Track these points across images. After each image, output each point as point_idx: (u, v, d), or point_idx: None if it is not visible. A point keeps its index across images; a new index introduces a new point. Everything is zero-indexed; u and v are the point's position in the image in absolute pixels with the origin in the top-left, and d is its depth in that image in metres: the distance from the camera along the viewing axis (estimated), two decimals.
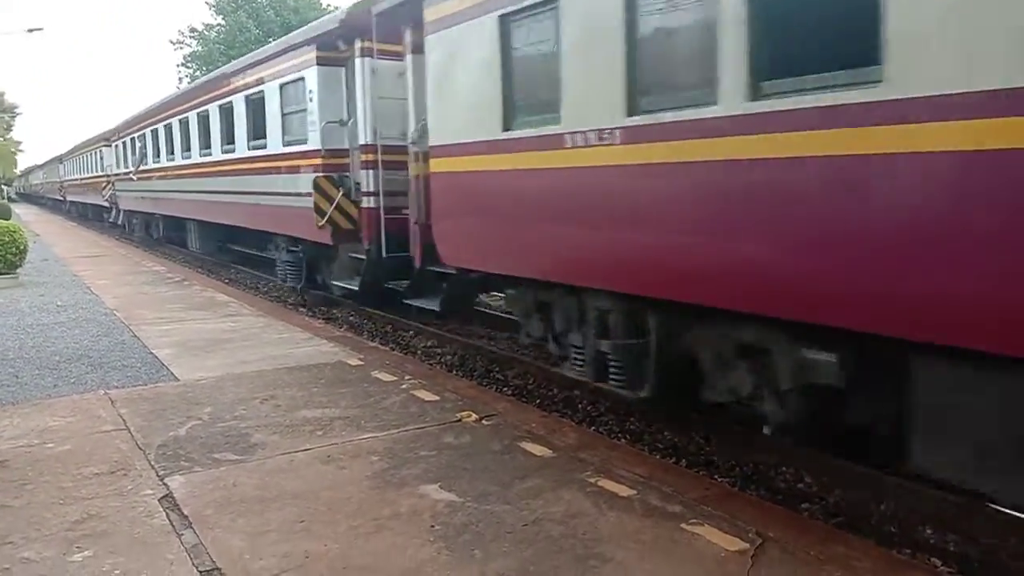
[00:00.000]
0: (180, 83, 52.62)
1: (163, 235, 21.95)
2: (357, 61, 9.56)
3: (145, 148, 21.10)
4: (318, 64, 10.34)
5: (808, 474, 5.07)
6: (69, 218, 41.58)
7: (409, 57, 8.28)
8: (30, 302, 11.46)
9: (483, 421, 5.52)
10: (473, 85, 6.83)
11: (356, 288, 10.11)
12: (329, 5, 50.19)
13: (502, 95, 6.43)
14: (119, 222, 27.44)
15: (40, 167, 62.84)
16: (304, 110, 10.78)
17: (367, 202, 9.58)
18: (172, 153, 18.39)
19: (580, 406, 6.65)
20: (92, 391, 6.42)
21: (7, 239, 13.41)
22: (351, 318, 11.06)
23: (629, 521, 3.89)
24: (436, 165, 7.48)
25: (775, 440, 5.28)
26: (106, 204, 28.49)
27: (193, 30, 53.96)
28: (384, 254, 9.32)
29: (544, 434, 5.23)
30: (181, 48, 54.81)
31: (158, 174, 19.82)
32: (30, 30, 34.10)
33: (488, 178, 6.72)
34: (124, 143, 24.28)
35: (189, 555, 3.57)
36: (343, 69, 10.28)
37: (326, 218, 9.96)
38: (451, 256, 7.48)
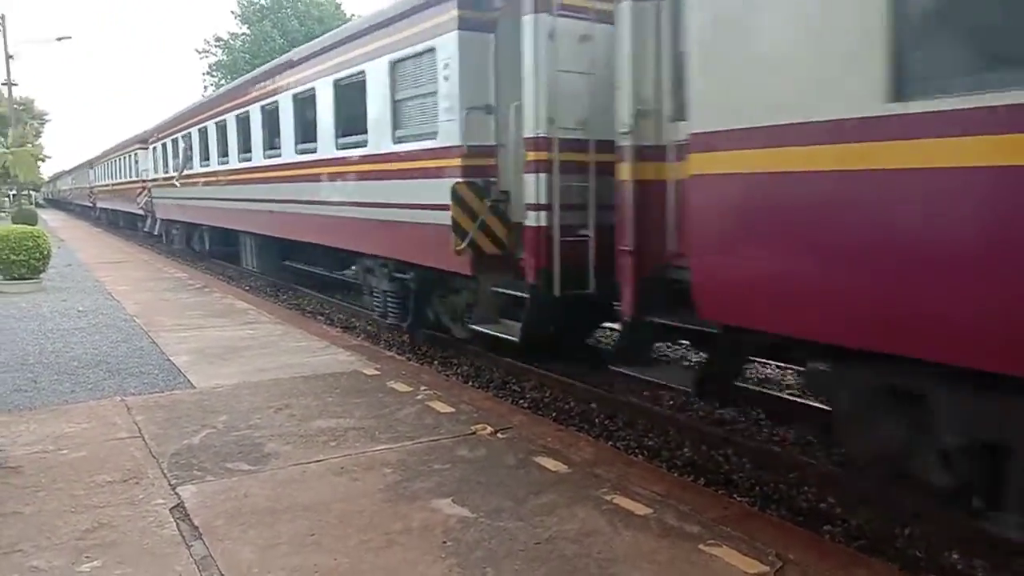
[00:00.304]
0: (205, 91, 53.22)
1: (208, 249, 19.69)
2: (527, 20, 6.83)
3: (191, 150, 18.60)
4: (460, 28, 7.57)
5: (831, 494, 4.95)
6: (95, 224, 42.00)
7: (626, 5, 5.78)
8: (52, 307, 11.56)
9: (498, 434, 5.45)
10: (809, 31, 4.23)
11: (516, 338, 7.40)
12: (353, 15, 50.64)
13: (889, 38, 3.78)
14: (155, 232, 25.23)
15: (68, 172, 61.77)
16: (432, 93, 8.15)
17: (534, 219, 6.98)
18: (225, 155, 15.97)
19: (597, 420, 6.56)
20: (109, 397, 6.43)
21: (31, 244, 13.55)
22: (368, 327, 11.04)
23: (645, 541, 3.80)
24: (707, 163, 4.88)
25: (797, 459, 5.18)
26: (140, 212, 26.75)
27: (219, 39, 54.61)
28: (558, 291, 6.83)
29: (560, 448, 5.15)
30: (207, 57, 55.46)
31: (205, 179, 17.61)
32: (59, 38, 34.62)
33: (833, 182, 4.15)
34: (164, 145, 21.85)
35: (198, 567, 3.52)
36: (492, 35, 7.64)
37: (467, 240, 7.46)
38: (721, 306, 4.95)
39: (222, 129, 16.23)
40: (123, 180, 30.16)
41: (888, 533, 4.50)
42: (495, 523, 4.00)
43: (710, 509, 4.22)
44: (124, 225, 33.75)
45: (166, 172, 21.81)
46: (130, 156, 27.70)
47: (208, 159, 17.52)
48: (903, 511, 4.60)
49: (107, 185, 35.54)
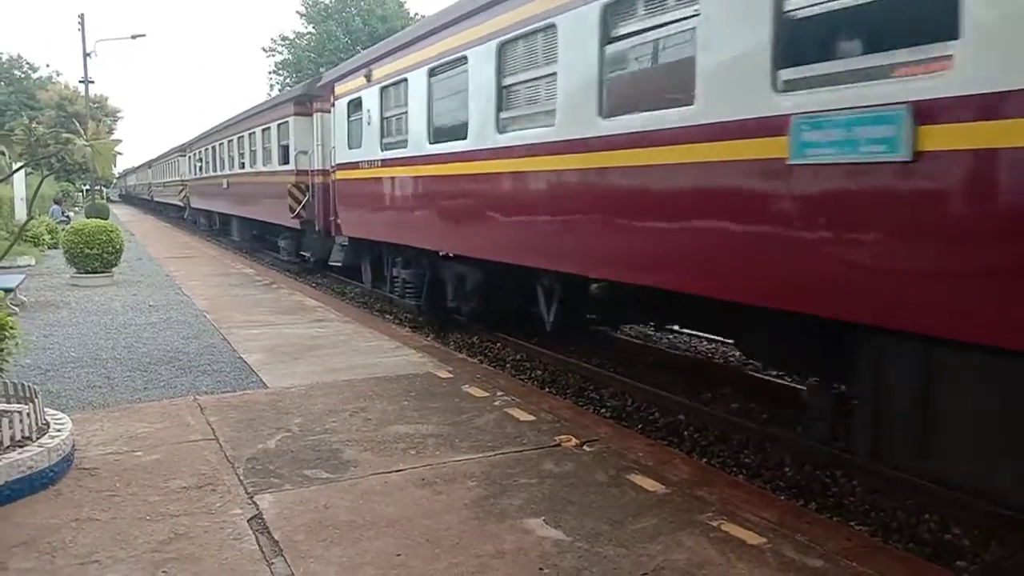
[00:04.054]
0: (271, 90, 54.07)
1: None
2: None
3: None
4: None
5: (955, 524, 4.49)
6: (161, 219, 42.87)
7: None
8: (124, 301, 11.63)
9: (584, 447, 5.13)
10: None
11: None
12: (416, 15, 50.84)
13: None
14: None
15: (182, 151, 33.48)
16: None
17: None
18: None
19: (686, 433, 6.17)
20: (182, 396, 6.29)
21: (104, 238, 13.71)
22: (436, 327, 10.83)
23: (763, 575, 3.44)
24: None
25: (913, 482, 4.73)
26: None
27: (284, 38, 55.43)
28: None
29: (653, 465, 4.80)
30: (273, 56, 56.34)
31: None
32: (134, 36, 35.36)
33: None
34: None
35: None
36: None
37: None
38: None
39: None
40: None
41: None
42: (594, 549, 3.67)
43: (830, 540, 3.82)
44: None
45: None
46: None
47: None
48: None
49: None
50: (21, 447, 4.37)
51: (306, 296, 12.54)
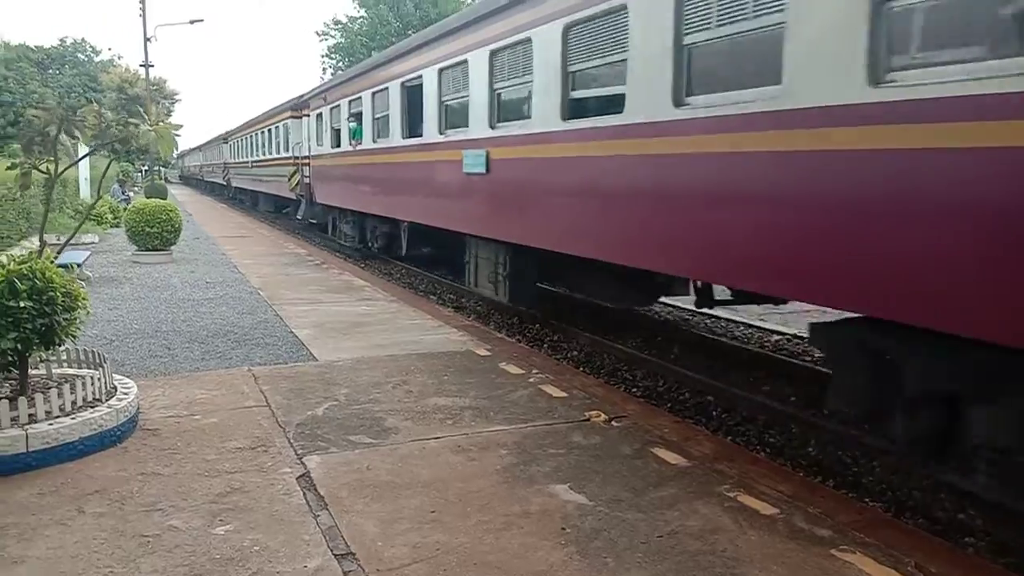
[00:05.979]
0: (324, 74, 54.91)
1: None
2: None
3: None
4: None
5: (972, 506, 4.63)
6: (219, 199, 43.98)
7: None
8: (182, 278, 12.19)
9: (612, 422, 5.37)
10: None
11: None
12: (468, 0, 51.03)
13: None
14: None
15: (332, 94, 17.03)
16: None
17: None
18: None
19: (714, 413, 6.37)
20: (237, 367, 6.70)
21: (164, 217, 14.33)
22: (478, 307, 11.13)
23: (772, 542, 3.65)
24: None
25: (931, 465, 4.86)
26: None
27: (337, 22, 56.17)
28: None
29: (677, 441, 5.02)
30: (326, 40, 57.13)
31: None
32: (192, 21, 36.45)
33: None
34: None
35: (324, 537, 3.61)
36: None
37: None
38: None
39: None
40: None
41: None
42: (614, 513, 3.93)
43: (842, 513, 4.01)
44: None
45: None
46: None
47: None
48: None
49: None
50: (92, 408, 4.79)
51: (355, 276, 12.96)
